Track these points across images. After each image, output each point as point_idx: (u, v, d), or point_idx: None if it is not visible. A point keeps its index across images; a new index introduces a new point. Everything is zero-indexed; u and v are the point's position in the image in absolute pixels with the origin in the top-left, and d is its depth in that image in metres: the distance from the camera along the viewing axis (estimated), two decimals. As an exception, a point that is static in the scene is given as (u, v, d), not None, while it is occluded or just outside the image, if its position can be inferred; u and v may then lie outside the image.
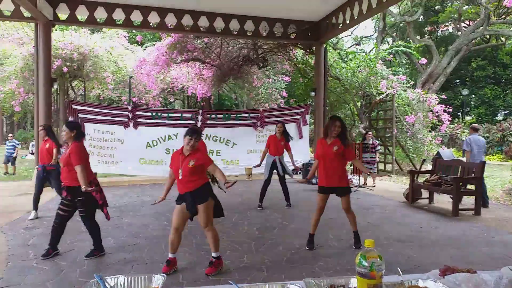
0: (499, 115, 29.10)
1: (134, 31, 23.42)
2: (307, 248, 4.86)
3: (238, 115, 12.25)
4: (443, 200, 8.09)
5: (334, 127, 4.69)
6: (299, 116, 12.28)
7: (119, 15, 10.92)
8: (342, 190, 4.80)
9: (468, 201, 8.02)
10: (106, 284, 1.61)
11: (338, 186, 4.77)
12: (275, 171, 7.52)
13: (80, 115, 10.58)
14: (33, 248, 4.88)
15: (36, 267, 4.19)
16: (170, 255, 4.09)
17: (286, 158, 7.78)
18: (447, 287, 1.50)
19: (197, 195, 3.98)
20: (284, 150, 7.63)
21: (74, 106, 10.76)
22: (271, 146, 7.52)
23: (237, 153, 11.32)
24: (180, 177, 4.00)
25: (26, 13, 10.26)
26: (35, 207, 6.64)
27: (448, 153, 8.80)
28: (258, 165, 7.67)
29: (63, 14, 10.70)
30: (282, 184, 7.63)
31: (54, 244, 4.60)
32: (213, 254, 4.07)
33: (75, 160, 4.37)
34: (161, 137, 11.29)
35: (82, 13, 10.73)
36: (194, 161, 3.97)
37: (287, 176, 7.71)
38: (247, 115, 12.31)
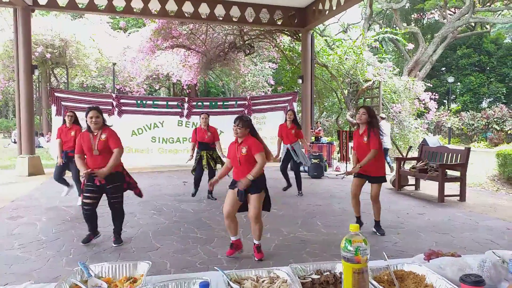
0: (483, 102, 29.53)
1: (117, 17, 22.96)
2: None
3: (225, 103, 12.18)
4: (429, 187, 8.19)
5: (358, 115, 4.82)
6: (286, 104, 12.25)
7: (101, 0, 10.65)
8: (377, 178, 4.86)
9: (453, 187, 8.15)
10: (90, 271, 1.57)
11: (375, 176, 4.85)
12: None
13: (63, 103, 10.38)
14: (18, 237, 4.78)
15: (21, 257, 4.11)
16: (232, 238, 4.05)
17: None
18: (432, 271, 1.50)
19: (251, 187, 3.86)
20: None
21: (56, 94, 10.55)
22: (283, 134, 7.46)
23: (224, 141, 11.27)
24: (239, 165, 3.92)
25: (5, -2, 9.95)
26: (66, 184, 6.67)
27: (434, 140, 8.91)
28: (277, 156, 7.49)
29: (43, -1, 10.38)
30: (296, 172, 7.62)
31: (94, 229, 4.53)
32: (257, 242, 4.03)
33: (114, 143, 4.35)
34: (146, 125, 11.17)
35: (63, -2, 10.45)
36: (246, 148, 3.91)
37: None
38: (234, 102, 12.24)
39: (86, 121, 4.33)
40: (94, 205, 4.41)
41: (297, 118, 7.68)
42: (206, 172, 6.96)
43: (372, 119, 4.77)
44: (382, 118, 12.38)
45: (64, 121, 6.48)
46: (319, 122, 15.70)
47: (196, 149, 7.09)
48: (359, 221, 5.10)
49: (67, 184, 6.71)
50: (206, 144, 6.98)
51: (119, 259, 4.07)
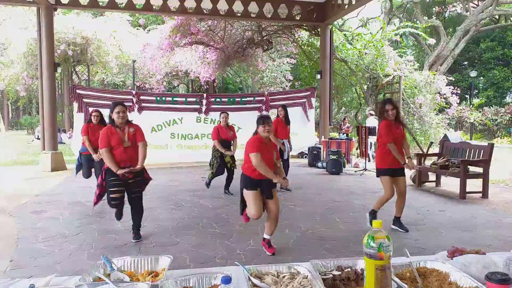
0: (507, 97, 28.69)
1: (137, 14, 23.21)
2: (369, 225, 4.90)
3: (243, 99, 12.20)
4: (450, 183, 8.04)
5: (387, 112, 4.74)
6: (305, 100, 12.21)
7: (121, -3, 10.79)
8: (402, 170, 4.82)
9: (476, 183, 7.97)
10: (113, 265, 1.60)
11: (400, 168, 4.80)
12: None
13: (84, 100, 10.58)
14: (41, 231, 4.91)
15: (44, 250, 4.22)
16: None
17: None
18: (456, 268, 1.47)
19: (272, 182, 3.89)
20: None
21: (78, 91, 10.75)
22: (279, 129, 7.44)
23: (243, 137, 11.30)
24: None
25: (28, -3, 10.17)
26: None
27: (455, 136, 8.71)
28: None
29: (65, -3, 10.57)
30: (285, 167, 7.60)
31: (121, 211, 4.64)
32: (269, 237, 4.10)
33: (142, 136, 4.50)
34: (165, 121, 11.28)
35: (84, -4, 10.62)
36: (275, 151, 4.02)
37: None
38: (252, 98, 12.24)
39: (111, 116, 4.38)
40: (122, 198, 4.49)
41: (288, 114, 7.57)
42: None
43: (398, 110, 4.80)
44: (371, 115, 13.22)
45: (90, 120, 6.55)
46: (346, 119, 15.38)
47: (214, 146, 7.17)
48: (399, 221, 4.95)
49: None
50: (228, 142, 7.08)
51: (139, 254, 4.13)
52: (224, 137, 7.04)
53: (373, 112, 13.33)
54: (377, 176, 4.99)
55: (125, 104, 4.64)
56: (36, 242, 4.50)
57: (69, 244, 4.40)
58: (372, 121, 13.22)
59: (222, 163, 7.08)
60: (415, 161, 7.86)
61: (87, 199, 6.71)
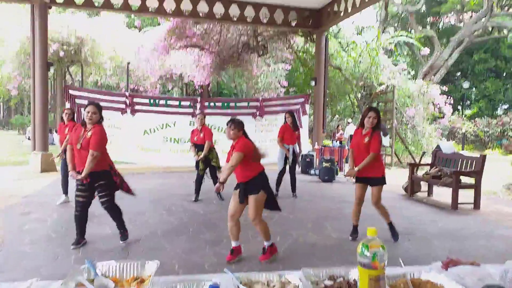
0: (499, 109, 28.99)
1: (132, 16, 23.13)
2: (350, 238, 4.83)
3: (237, 104, 12.17)
4: (442, 194, 8.04)
5: (368, 118, 4.62)
6: (299, 106, 12.20)
7: (117, -2, 10.73)
8: (375, 180, 4.70)
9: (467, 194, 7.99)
10: (97, 270, 1.54)
11: (372, 176, 4.68)
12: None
13: (76, 101, 10.47)
14: (28, 233, 4.81)
15: (30, 253, 4.13)
16: (233, 244, 4.01)
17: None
18: (451, 279, 1.44)
19: (248, 186, 3.88)
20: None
21: (70, 92, 10.64)
22: (286, 135, 7.40)
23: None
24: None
25: (23, -5, 10.07)
26: (65, 191, 6.53)
27: (448, 146, 8.73)
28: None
29: (60, -4, 10.49)
30: (292, 173, 7.59)
31: (82, 233, 4.40)
32: (266, 243, 4.03)
33: (94, 144, 4.16)
34: (158, 124, 11.20)
35: (79, -4, 10.54)
36: (234, 149, 3.93)
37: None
38: (246, 104, 12.22)
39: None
40: (85, 204, 4.31)
41: (295, 120, 7.58)
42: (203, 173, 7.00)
43: (379, 122, 4.67)
44: (349, 123, 13.25)
45: (61, 118, 6.36)
46: (340, 126, 15.46)
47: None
48: (356, 230, 4.91)
49: (66, 192, 6.53)
50: (199, 145, 6.87)
51: (127, 258, 4.05)
52: (194, 141, 6.93)
53: (350, 121, 13.69)
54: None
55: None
56: (22, 244, 4.40)
57: (56, 248, 4.31)
58: (352, 129, 13.46)
59: (197, 168, 6.96)
60: (407, 172, 7.88)
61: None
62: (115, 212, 4.51)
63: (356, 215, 4.91)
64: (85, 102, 10.26)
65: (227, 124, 3.97)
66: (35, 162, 10.23)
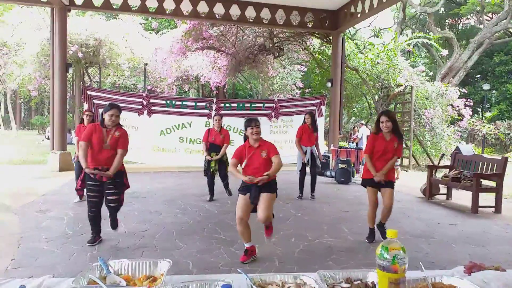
0: (520, 111, 28.23)
1: (150, 18, 23.40)
2: (366, 241, 4.78)
3: (253, 105, 12.15)
4: (462, 197, 7.85)
5: (381, 123, 4.60)
6: (315, 107, 12.10)
7: (134, 1, 10.84)
8: (390, 183, 4.69)
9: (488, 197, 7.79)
10: (110, 268, 1.53)
11: (388, 180, 4.67)
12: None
13: (94, 101, 10.62)
14: (45, 230, 4.87)
15: (47, 250, 4.17)
16: (246, 245, 3.99)
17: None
18: (474, 285, 1.37)
19: (264, 187, 3.84)
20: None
21: (88, 92, 10.80)
22: (304, 136, 7.35)
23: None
24: (257, 169, 3.84)
25: (43, -2, 10.26)
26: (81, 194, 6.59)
27: (468, 148, 8.55)
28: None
29: (79, -1, 10.65)
30: (314, 174, 7.52)
31: (98, 231, 4.44)
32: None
33: (124, 144, 4.36)
34: (174, 125, 11.27)
35: (98, -2, 10.69)
36: (265, 152, 3.87)
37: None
38: (261, 105, 12.19)
39: (103, 114, 4.29)
40: (98, 204, 4.34)
41: (315, 121, 7.51)
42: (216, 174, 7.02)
43: (395, 123, 4.64)
44: (362, 124, 14.17)
45: (82, 120, 6.43)
46: (356, 128, 15.30)
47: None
48: (372, 233, 4.84)
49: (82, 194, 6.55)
50: (217, 146, 6.88)
51: (142, 257, 4.05)
52: (211, 141, 6.89)
53: (363, 122, 13.63)
54: (361, 185, 4.93)
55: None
56: (39, 241, 4.45)
57: (72, 245, 4.34)
58: (364, 131, 13.34)
59: (208, 168, 6.94)
60: (425, 174, 7.72)
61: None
62: (115, 223, 4.56)
63: (372, 219, 4.85)
64: (103, 102, 10.44)
65: (249, 124, 3.87)
66: (54, 161, 10.40)
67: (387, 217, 4.79)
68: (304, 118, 7.48)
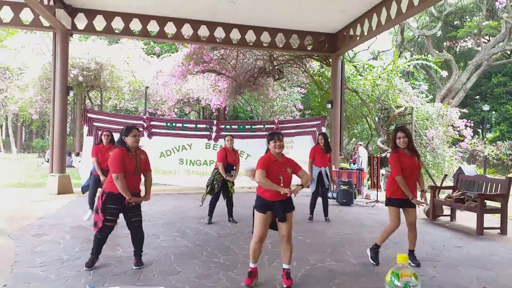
0: (519, 132, 28.22)
1: (151, 42, 23.71)
2: (373, 263, 4.68)
3: (253, 126, 12.13)
4: (466, 218, 7.71)
5: (399, 139, 4.60)
6: (315, 128, 12.08)
7: (136, 25, 11.00)
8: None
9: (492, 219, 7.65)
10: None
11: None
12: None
13: (95, 124, 10.60)
14: (40, 255, 4.74)
15: (41, 275, 4.04)
16: (252, 265, 3.90)
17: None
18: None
19: (289, 203, 3.82)
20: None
21: (89, 115, 10.80)
22: (317, 156, 7.31)
23: (251, 165, 11.13)
24: (281, 184, 3.76)
25: (45, 23, 10.39)
26: (92, 207, 6.55)
27: (470, 169, 8.46)
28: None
29: (81, 24, 10.79)
30: (324, 197, 7.43)
31: (97, 254, 4.37)
32: (287, 266, 3.89)
33: (149, 165, 4.49)
34: (175, 147, 11.23)
35: (99, 23, 10.83)
36: (290, 168, 3.84)
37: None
38: (261, 126, 12.17)
39: (123, 139, 4.23)
40: (112, 228, 4.30)
41: (328, 141, 7.51)
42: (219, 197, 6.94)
43: (411, 138, 4.65)
44: (360, 145, 14.47)
45: (100, 140, 6.52)
46: (355, 148, 15.35)
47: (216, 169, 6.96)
48: (412, 254, 4.75)
49: (93, 208, 6.56)
50: (232, 166, 6.89)
51: (138, 282, 3.92)
52: (230, 161, 6.85)
53: (361, 143, 13.76)
54: (386, 205, 4.80)
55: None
56: (33, 266, 4.32)
57: (67, 270, 4.22)
58: (362, 151, 13.36)
59: (224, 188, 6.84)
60: (428, 195, 7.61)
61: (90, 223, 6.54)
62: (142, 234, 4.48)
63: (385, 238, 4.73)
64: (103, 125, 10.43)
65: (272, 137, 3.85)
66: (52, 184, 10.29)
67: (414, 239, 4.71)
68: (317, 139, 7.53)
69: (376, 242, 4.75)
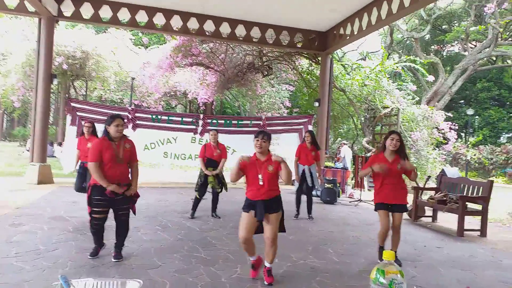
0: (502, 137, 28.87)
1: (140, 33, 23.38)
2: (379, 261, 4.63)
3: (240, 122, 12.07)
4: (447, 219, 7.80)
5: (391, 140, 4.57)
6: (302, 126, 12.09)
7: (124, 14, 10.79)
8: (402, 207, 4.66)
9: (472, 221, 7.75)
10: (71, 287, 1.37)
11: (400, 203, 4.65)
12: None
13: (78, 113, 10.40)
14: (15, 245, 4.60)
15: (15, 266, 3.92)
16: (251, 259, 3.89)
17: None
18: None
19: (271, 204, 3.74)
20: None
21: (73, 104, 10.60)
22: (301, 155, 7.27)
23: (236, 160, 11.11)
24: (260, 183, 3.71)
25: (31, 8, 10.12)
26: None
27: (453, 171, 8.57)
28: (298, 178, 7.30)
29: (67, 11, 10.53)
30: (308, 195, 7.41)
31: (101, 242, 4.36)
32: (269, 265, 3.83)
33: (136, 155, 4.41)
34: (159, 140, 11.09)
35: (87, 11, 10.60)
36: (273, 166, 3.74)
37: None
38: (248, 122, 12.12)
39: (106, 129, 4.13)
40: (104, 219, 4.23)
41: (316, 139, 7.47)
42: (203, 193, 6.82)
43: (402, 143, 4.64)
44: (344, 144, 14.90)
45: (82, 131, 6.41)
46: (340, 147, 15.45)
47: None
48: (382, 250, 4.75)
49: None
50: (214, 161, 6.73)
51: (116, 275, 3.84)
52: (209, 156, 6.71)
53: (346, 142, 14.01)
54: (375, 210, 4.83)
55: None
56: (7, 256, 4.19)
57: (43, 261, 4.10)
58: (346, 151, 13.49)
59: (205, 183, 6.74)
60: (411, 196, 7.68)
61: (70, 214, 6.42)
62: (127, 228, 4.40)
63: (383, 237, 4.71)
64: (87, 115, 10.24)
65: (256, 136, 3.79)
66: (32, 174, 10.05)
67: (397, 242, 4.69)
68: (304, 137, 7.45)
69: (379, 244, 4.78)
